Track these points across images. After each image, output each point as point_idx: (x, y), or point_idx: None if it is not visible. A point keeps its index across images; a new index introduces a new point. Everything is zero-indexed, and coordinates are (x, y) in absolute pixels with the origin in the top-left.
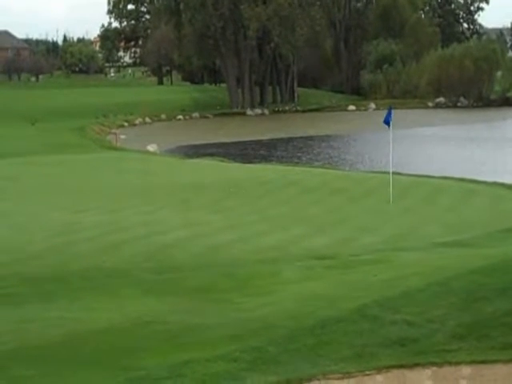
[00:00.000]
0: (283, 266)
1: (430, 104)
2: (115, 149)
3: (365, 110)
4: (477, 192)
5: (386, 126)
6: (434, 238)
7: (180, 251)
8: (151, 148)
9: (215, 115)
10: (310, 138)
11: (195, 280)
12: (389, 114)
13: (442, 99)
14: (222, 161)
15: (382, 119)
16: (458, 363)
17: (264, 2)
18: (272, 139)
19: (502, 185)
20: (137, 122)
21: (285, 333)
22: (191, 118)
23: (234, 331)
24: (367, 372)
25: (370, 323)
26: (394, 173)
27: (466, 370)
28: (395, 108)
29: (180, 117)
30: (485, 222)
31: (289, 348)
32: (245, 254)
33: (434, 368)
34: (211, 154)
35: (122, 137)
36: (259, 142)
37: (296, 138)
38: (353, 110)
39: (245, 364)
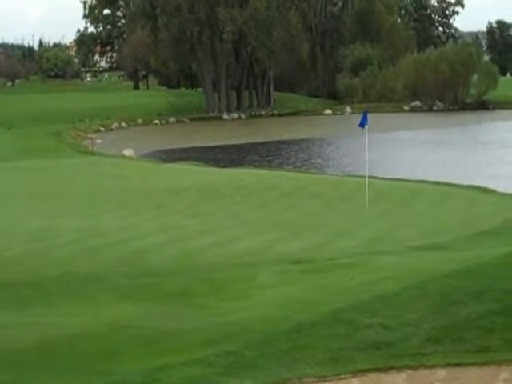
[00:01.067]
0: (259, 271)
1: (406, 108)
2: (91, 154)
3: (341, 114)
4: (452, 195)
5: (361, 130)
6: (409, 242)
7: (156, 256)
8: (127, 153)
9: (192, 120)
10: (286, 142)
11: (171, 285)
12: (364, 118)
13: (417, 103)
14: (199, 165)
15: (358, 122)
16: (433, 366)
17: (241, 6)
18: (248, 143)
19: (477, 188)
20: (113, 126)
21: (260, 337)
22: (168, 122)
23: (210, 336)
24: (343, 376)
25: (345, 327)
26: (369, 177)
27: (441, 372)
28: (371, 112)
29: (156, 121)
30: (460, 225)
31: (264, 352)
32: (221, 258)
33: (410, 371)
34: (187, 159)
35: (98, 141)
36: (235, 147)
37: (272, 142)
38: (329, 114)
39: (220, 368)
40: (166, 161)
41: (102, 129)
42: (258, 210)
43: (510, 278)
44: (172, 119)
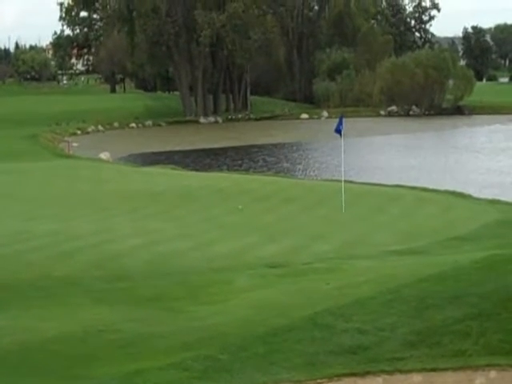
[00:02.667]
0: (236, 275)
1: (383, 112)
2: (67, 157)
3: (318, 118)
4: (428, 200)
5: (338, 135)
6: (386, 246)
7: (132, 260)
8: (104, 156)
9: (168, 123)
10: (263, 146)
11: (147, 289)
12: (340, 123)
13: (394, 108)
14: (175, 169)
15: (334, 128)
16: (408, 371)
17: (218, 9)
18: (225, 147)
19: (453, 193)
20: (89, 129)
21: (237, 341)
22: (144, 126)
23: (186, 340)
24: (319, 380)
25: (321, 331)
26: (345, 181)
27: (417, 377)
28: (348, 116)
29: (133, 125)
30: (436, 229)
31: (240, 356)
32: (197, 262)
33: (385, 376)
34: (164, 162)
35: (75, 145)
36: (212, 150)
37: (249, 146)
38: (306, 119)
39: (196, 373)
40: (142, 164)
41: (79, 132)
42: (235, 214)
43: (485, 283)
44: (149, 123)
